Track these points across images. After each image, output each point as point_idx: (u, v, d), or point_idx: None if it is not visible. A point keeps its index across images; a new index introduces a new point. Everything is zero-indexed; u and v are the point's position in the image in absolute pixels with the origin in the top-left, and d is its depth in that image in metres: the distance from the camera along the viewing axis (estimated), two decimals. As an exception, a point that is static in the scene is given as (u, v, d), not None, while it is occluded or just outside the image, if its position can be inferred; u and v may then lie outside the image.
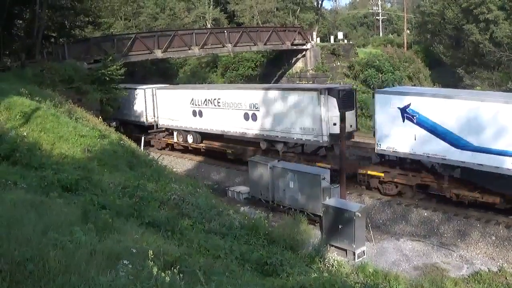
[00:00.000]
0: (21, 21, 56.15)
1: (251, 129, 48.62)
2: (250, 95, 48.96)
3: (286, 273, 15.48)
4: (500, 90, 64.38)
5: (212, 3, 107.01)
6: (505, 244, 30.14)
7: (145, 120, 61.42)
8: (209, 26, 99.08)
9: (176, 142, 58.69)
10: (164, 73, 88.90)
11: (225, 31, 70.95)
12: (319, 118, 42.17)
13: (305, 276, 15.79)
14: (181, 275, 8.71)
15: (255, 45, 70.64)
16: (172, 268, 8.80)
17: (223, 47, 67.76)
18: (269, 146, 47.46)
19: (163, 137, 61.22)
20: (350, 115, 41.75)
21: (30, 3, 48.64)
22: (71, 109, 34.01)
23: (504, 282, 26.66)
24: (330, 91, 42.23)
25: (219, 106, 51.71)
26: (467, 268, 28.73)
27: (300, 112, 43.91)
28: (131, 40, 57.96)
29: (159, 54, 60.41)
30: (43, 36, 50.49)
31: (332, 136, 41.72)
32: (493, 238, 30.83)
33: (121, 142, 31.90)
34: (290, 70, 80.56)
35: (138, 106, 62.10)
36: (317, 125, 42.39)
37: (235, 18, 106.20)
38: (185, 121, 56.08)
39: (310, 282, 13.86)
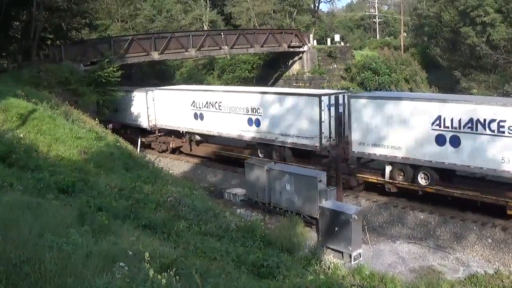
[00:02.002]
0: (18, 23, 56.22)
1: None
2: None
3: (282, 275, 15.48)
4: (496, 92, 64.59)
5: (209, 5, 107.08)
6: (501, 246, 30.15)
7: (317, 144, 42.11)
8: (206, 28, 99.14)
9: (391, 182, 37.71)
10: (161, 75, 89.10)
11: (222, 33, 70.89)
12: None
13: (301, 279, 15.80)
14: (177, 277, 8.72)
15: (252, 47, 70.52)
16: (168, 271, 8.81)
17: (220, 49, 67.71)
18: None
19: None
20: None
21: (27, 5, 48.67)
22: (68, 111, 34.07)
23: (501, 284, 26.66)
24: None
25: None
26: (464, 270, 28.72)
27: None
28: (128, 42, 57.88)
29: (156, 56, 60.33)
30: (40, 38, 50.57)
31: None
32: (490, 240, 30.84)
33: (118, 144, 31.92)
34: (286, 73, 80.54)
35: (304, 121, 42.76)
36: None
37: (232, 20, 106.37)
38: (417, 150, 35.44)
39: (307, 284, 13.88)
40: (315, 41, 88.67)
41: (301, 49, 77.80)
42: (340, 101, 41.82)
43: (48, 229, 9.85)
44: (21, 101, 29.09)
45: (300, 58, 78.85)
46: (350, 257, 29.20)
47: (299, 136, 43.06)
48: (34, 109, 28.04)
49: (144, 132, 58.39)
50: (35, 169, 18.58)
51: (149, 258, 8.92)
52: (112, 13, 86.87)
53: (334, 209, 30.69)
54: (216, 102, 50.55)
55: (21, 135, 22.89)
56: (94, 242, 10.19)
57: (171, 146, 56.83)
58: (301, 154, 45.02)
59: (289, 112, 43.84)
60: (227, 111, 49.56)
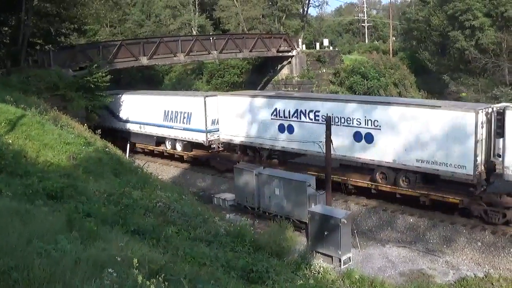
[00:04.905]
0: (6, 28, 55.99)
1: None
2: None
3: (272, 280, 15.48)
4: (485, 96, 64.82)
5: (197, 10, 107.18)
6: (491, 249, 30.28)
7: None
8: (194, 33, 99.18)
9: None
10: (150, 80, 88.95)
11: (211, 38, 70.94)
12: None
13: (291, 283, 15.84)
14: (166, 283, 8.71)
15: (240, 52, 70.55)
16: (157, 276, 8.80)
17: (209, 54, 67.64)
18: None
19: None
20: None
21: (16, 10, 48.49)
22: (56, 117, 33.96)
23: (490, 287, 26.79)
24: None
25: None
26: (453, 274, 28.83)
27: None
28: (116, 47, 57.76)
29: (144, 61, 60.20)
30: (29, 43, 50.31)
31: None
32: (479, 244, 30.95)
33: (107, 149, 31.85)
34: (275, 77, 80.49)
35: None
36: None
37: (220, 25, 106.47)
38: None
39: (296, 289, 13.88)
40: (304, 46, 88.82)
41: (290, 54, 77.84)
42: None
43: (36, 236, 9.84)
44: (10, 106, 28.94)
45: (289, 62, 78.88)
46: (340, 261, 29.28)
47: None
48: (23, 115, 27.92)
49: None
50: (23, 175, 18.48)
51: (137, 264, 8.92)
52: (101, 18, 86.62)
53: (324, 213, 30.79)
54: None
55: (10, 141, 22.78)
56: (83, 248, 10.17)
57: None
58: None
59: None
60: None
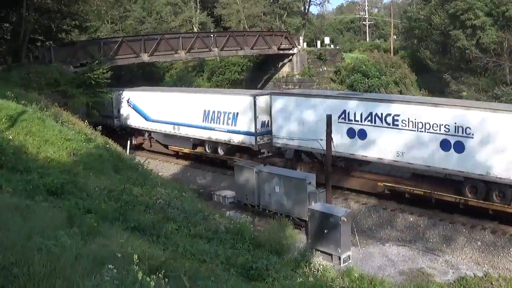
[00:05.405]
0: (7, 24, 55.92)
1: None
2: None
3: (271, 277, 15.44)
4: (486, 95, 64.86)
5: (199, 7, 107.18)
6: (490, 249, 30.23)
7: None
8: (195, 30, 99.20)
9: None
10: (151, 77, 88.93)
11: (212, 35, 70.95)
12: None
13: (290, 281, 15.79)
14: (166, 279, 8.69)
15: (241, 49, 70.53)
16: (157, 273, 8.78)
17: (210, 51, 67.70)
18: None
19: None
20: None
21: (17, 6, 48.43)
22: (57, 113, 33.87)
23: (490, 287, 26.77)
24: None
25: None
26: (453, 273, 28.78)
27: None
28: (117, 44, 57.79)
29: (145, 58, 60.20)
30: (30, 39, 50.26)
31: None
32: (479, 243, 30.90)
33: (107, 146, 31.81)
34: (276, 75, 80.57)
35: None
36: None
37: (222, 22, 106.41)
38: None
39: (296, 286, 13.86)
40: (305, 44, 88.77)
41: (291, 52, 77.90)
42: None
43: (36, 231, 9.81)
44: (11, 102, 28.89)
45: (290, 60, 78.95)
46: (340, 259, 29.21)
47: None
48: (24, 111, 27.87)
49: None
50: (24, 171, 18.45)
51: (138, 261, 8.91)
52: (102, 15, 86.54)
53: (324, 211, 30.68)
54: None
55: (10, 137, 22.73)
56: (83, 244, 10.16)
57: None
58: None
59: None
60: None
